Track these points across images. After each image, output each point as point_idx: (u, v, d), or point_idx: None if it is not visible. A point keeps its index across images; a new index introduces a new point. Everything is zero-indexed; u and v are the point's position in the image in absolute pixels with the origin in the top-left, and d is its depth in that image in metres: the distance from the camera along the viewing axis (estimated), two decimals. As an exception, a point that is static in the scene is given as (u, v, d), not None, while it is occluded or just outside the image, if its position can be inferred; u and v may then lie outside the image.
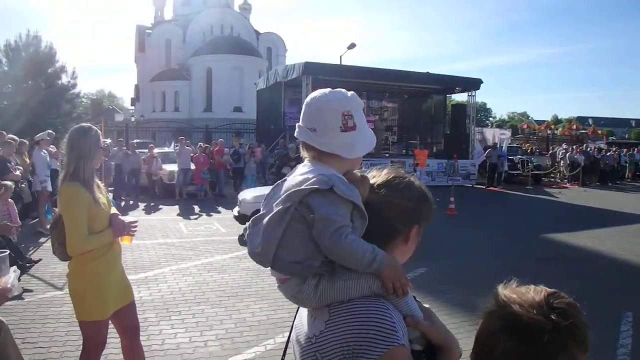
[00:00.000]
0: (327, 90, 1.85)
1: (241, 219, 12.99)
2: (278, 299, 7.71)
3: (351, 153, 1.78)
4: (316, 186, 1.64)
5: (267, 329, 6.67)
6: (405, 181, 1.84)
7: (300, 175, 1.76)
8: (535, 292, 1.37)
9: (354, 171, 1.82)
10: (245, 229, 1.86)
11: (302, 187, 1.66)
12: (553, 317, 1.27)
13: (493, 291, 1.42)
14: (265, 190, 14.26)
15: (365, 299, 1.64)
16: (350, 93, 1.83)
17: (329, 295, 1.66)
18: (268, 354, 5.92)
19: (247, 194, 13.81)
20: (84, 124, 4.16)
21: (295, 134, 1.88)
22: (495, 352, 1.33)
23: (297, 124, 1.87)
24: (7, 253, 3.49)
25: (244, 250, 10.62)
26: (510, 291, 1.41)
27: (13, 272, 3.45)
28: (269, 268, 1.78)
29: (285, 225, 1.67)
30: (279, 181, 1.90)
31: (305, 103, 1.85)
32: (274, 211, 1.70)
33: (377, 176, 1.87)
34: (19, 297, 7.66)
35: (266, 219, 1.73)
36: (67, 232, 3.76)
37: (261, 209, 1.85)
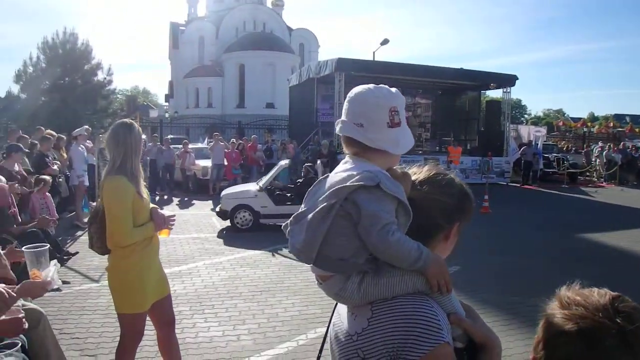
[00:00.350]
0: (372, 85, 1.83)
1: (222, 214, 13.28)
2: (310, 294, 7.73)
3: (397, 149, 1.77)
4: (362, 183, 1.62)
5: (299, 324, 6.68)
6: (446, 178, 1.83)
7: (344, 171, 1.75)
8: (599, 295, 1.34)
9: (395, 167, 1.80)
10: (285, 225, 1.84)
11: (348, 183, 1.65)
12: (618, 321, 1.25)
13: (555, 292, 1.40)
14: (243, 187, 14.40)
15: (410, 297, 1.63)
16: (394, 89, 1.82)
17: (372, 293, 1.65)
18: (300, 349, 5.93)
19: (228, 191, 14.15)
20: (126, 119, 4.22)
21: (337, 130, 1.86)
22: (557, 354, 1.31)
23: (339, 120, 1.85)
24: (48, 247, 3.53)
25: (277, 246, 10.69)
26: (573, 293, 1.38)
27: (53, 266, 3.50)
28: (310, 265, 1.76)
29: (329, 222, 1.65)
30: (321, 177, 1.89)
31: (349, 98, 1.84)
32: (318, 208, 1.69)
33: (418, 173, 1.86)
34: (57, 289, 7.80)
35: (310, 215, 1.71)
36: (112, 224, 3.81)
37: (302, 205, 1.83)
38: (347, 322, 1.75)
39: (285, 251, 10.32)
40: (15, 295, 2.80)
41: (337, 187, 1.67)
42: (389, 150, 1.76)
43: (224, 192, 14.14)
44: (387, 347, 1.56)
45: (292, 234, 1.80)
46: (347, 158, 1.84)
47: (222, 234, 12.73)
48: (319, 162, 14.21)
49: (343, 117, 1.84)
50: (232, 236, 12.29)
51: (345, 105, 1.84)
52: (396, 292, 1.64)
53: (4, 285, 3.49)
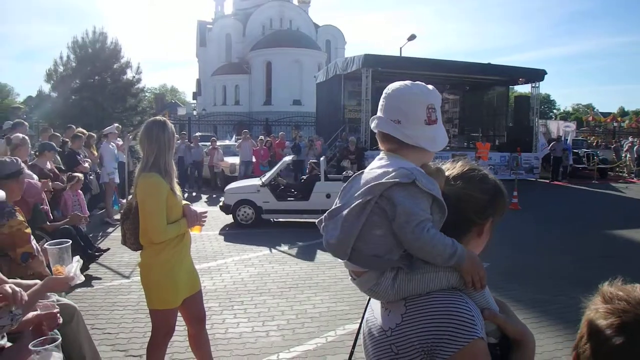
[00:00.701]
0: (409, 82, 1.85)
1: (225, 208, 13.40)
2: (339, 291, 7.76)
3: (433, 147, 1.79)
4: (398, 180, 1.64)
5: (328, 320, 6.70)
6: (480, 174, 1.84)
7: (379, 168, 1.76)
8: None
9: (429, 163, 1.81)
10: (319, 220, 1.85)
11: (383, 180, 1.66)
12: None
13: (598, 288, 1.38)
14: (246, 182, 14.42)
15: (444, 292, 1.64)
16: (430, 87, 1.84)
17: (406, 289, 1.66)
18: (329, 345, 5.95)
19: (232, 185, 14.26)
20: (159, 117, 4.27)
21: (373, 126, 1.87)
22: (601, 350, 1.28)
23: (375, 116, 1.86)
24: (70, 243, 3.58)
25: (305, 242, 10.73)
26: (616, 288, 1.35)
27: (76, 262, 3.54)
28: (344, 261, 1.78)
29: (364, 219, 1.66)
30: (355, 174, 1.89)
31: (385, 95, 1.85)
32: (354, 204, 1.69)
33: (451, 168, 1.87)
34: (88, 284, 7.91)
35: (345, 211, 1.72)
36: (146, 221, 3.86)
37: (337, 201, 1.84)
38: (381, 317, 1.77)
39: (311, 248, 10.38)
40: (27, 298, 2.84)
41: (372, 183, 1.68)
42: (426, 148, 1.78)
43: (227, 187, 14.27)
44: (421, 342, 1.57)
45: (326, 230, 1.80)
46: (381, 154, 1.85)
47: (250, 230, 12.78)
48: (322, 159, 14.16)
49: (379, 114, 1.85)
50: (261, 233, 12.35)
51: (382, 101, 1.85)
52: (430, 288, 1.65)
53: (19, 282, 3.55)
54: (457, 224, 1.74)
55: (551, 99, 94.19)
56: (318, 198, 12.92)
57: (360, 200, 1.68)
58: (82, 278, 3.58)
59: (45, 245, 3.82)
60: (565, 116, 77.16)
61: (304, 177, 14.30)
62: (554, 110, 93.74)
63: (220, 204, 13.84)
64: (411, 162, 1.74)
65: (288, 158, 15.54)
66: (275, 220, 13.89)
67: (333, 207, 1.81)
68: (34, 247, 4.43)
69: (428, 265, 1.65)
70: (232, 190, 13.82)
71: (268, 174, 14.17)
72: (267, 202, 13.18)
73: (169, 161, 3.97)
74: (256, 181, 14.01)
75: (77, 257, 3.66)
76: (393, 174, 1.66)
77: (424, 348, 1.56)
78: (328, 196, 12.77)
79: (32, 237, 4.53)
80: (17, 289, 2.77)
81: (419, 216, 1.61)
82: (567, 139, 28.42)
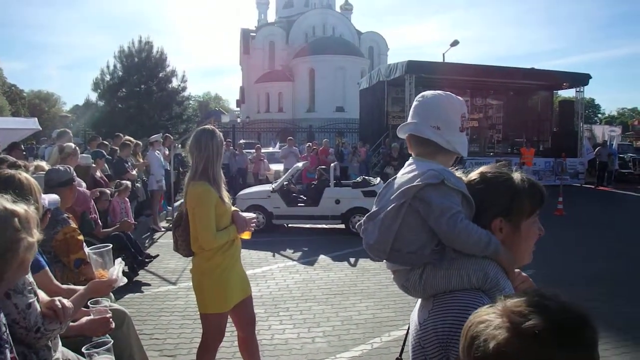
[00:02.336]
0: (442, 92, 1.98)
1: None
2: (384, 298, 7.77)
3: (464, 151, 1.93)
4: (428, 181, 1.75)
5: (374, 327, 6.70)
6: (503, 177, 1.87)
7: (409, 172, 1.89)
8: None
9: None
10: (359, 224, 1.97)
11: (415, 183, 1.78)
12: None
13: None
14: (257, 188, 14.64)
15: (466, 292, 1.73)
16: (460, 98, 1.95)
17: (431, 284, 1.78)
18: (375, 352, 5.96)
19: (244, 191, 14.45)
20: (208, 126, 4.36)
21: (409, 130, 1.97)
22: None
23: (411, 121, 1.97)
24: (111, 246, 3.70)
25: (349, 249, 10.76)
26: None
27: (118, 264, 3.64)
28: (385, 262, 1.89)
29: (400, 220, 1.78)
30: (389, 180, 2.01)
31: (421, 102, 1.98)
32: (390, 207, 1.81)
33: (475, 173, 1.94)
34: (137, 290, 8.08)
35: (382, 214, 1.84)
36: (198, 229, 3.94)
37: (375, 206, 1.95)
38: (417, 312, 1.89)
39: (355, 254, 10.41)
40: (71, 308, 2.94)
41: (405, 187, 1.80)
42: (460, 152, 1.91)
43: (240, 193, 14.43)
44: (439, 338, 1.67)
45: (365, 233, 1.92)
46: (410, 160, 1.97)
47: (294, 237, 12.87)
48: (332, 165, 14.21)
49: (414, 119, 1.96)
50: (305, 240, 12.42)
51: (417, 108, 1.97)
52: (453, 284, 1.74)
53: (72, 288, 3.69)
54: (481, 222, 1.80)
55: (596, 103, 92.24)
56: (327, 204, 13.01)
57: (395, 203, 1.80)
58: (125, 280, 3.68)
59: (87, 251, 3.94)
60: (611, 120, 75.71)
61: (314, 182, 14.35)
62: (599, 115, 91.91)
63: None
64: (436, 164, 1.85)
65: (300, 164, 15.56)
66: (287, 225, 13.93)
67: (372, 211, 1.93)
68: (87, 253, 4.59)
69: (452, 262, 1.75)
70: (244, 196, 13.93)
71: (280, 180, 14.29)
72: (278, 208, 13.23)
73: (217, 169, 4.03)
74: (267, 187, 14.12)
75: (119, 260, 3.77)
76: (423, 176, 1.78)
77: (442, 344, 1.66)
78: (337, 202, 12.91)
79: (84, 243, 4.70)
80: (66, 303, 2.88)
81: (452, 209, 1.72)
82: (612, 144, 27.93)
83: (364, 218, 1.97)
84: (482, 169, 1.93)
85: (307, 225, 13.79)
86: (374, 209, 1.94)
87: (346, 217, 12.90)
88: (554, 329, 1.03)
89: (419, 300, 1.93)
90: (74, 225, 4.63)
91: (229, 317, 4.32)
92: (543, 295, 1.12)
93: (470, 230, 1.71)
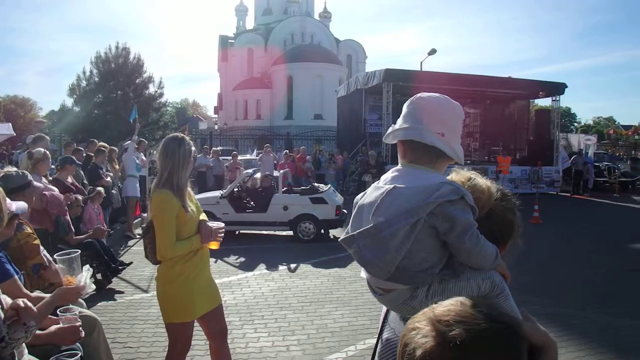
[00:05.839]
0: (441, 95, 1.89)
1: None
2: (359, 305, 7.74)
3: (462, 160, 1.84)
4: (449, 197, 1.68)
5: (349, 335, 6.66)
6: (510, 197, 1.92)
7: (417, 183, 1.77)
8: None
9: None
10: (347, 239, 1.86)
11: (433, 199, 1.68)
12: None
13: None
14: (208, 194, 14.44)
15: None
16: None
17: (440, 299, 1.69)
18: (349, 359, 5.93)
19: (197, 197, 14.24)
20: (178, 133, 4.29)
21: (410, 135, 1.86)
22: None
23: (408, 126, 1.86)
24: (79, 253, 3.63)
25: (325, 257, 10.73)
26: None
27: (86, 271, 3.58)
28: (369, 277, 1.81)
29: (413, 238, 1.68)
30: (386, 188, 1.84)
31: (422, 105, 1.88)
32: (402, 223, 1.69)
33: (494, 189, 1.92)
34: (110, 298, 7.97)
35: (389, 230, 1.71)
36: (157, 237, 3.90)
37: (370, 216, 1.81)
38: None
39: (332, 262, 10.38)
40: (34, 310, 2.87)
41: (421, 203, 1.69)
42: (460, 161, 1.83)
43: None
44: None
45: (363, 248, 1.79)
46: (404, 167, 1.87)
47: (270, 244, 12.81)
48: (282, 172, 14.25)
49: (411, 124, 1.85)
50: (281, 247, 12.38)
51: (417, 111, 1.87)
52: (463, 295, 1.67)
53: (39, 296, 3.61)
54: (501, 235, 1.82)
55: (572, 112, 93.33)
56: (275, 210, 13.04)
57: (409, 219, 1.69)
58: (93, 287, 3.61)
59: (54, 256, 3.87)
60: (586, 129, 76.46)
61: (260, 188, 14.41)
62: (575, 124, 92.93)
63: None
64: (440, 174, 1.79)
65: (250, 170, 15.72)
66: (238, 232, 13.80)
67: (370, 226, 1.78)
68: (45, 257, 4.51)
69: (461, 275, 1.71)
70: None
71: (229, 186, 14.32)
72: (227, 214, 13.09)
73: (182, 177, 3.97)
74: (217, 193, 14.08)
75: (87, 266, 3.70)
76: (440, 192, 1.69)
77: None
78: (285, 208, 12.95)
79: (41, 248, 4.60)
80: (29, 304, 2.82)
81: (474, 225, 1.68)
82: (588, 152, 28.28)
83: (356, 233, 1.82)
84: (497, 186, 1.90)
85: (284, 233, 13.73)
86: (369, 223, 1.79)
87: (294, 223, 12.97)
88: (477, 338, 1.03)
89: (399, 323, 1.84)
90: (29, 230, 4.54)
91: (201, 326, 4.26)
92: (474, 305, 1.12)
93: (486, 245, 1.70)
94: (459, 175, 1.90)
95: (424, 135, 1.81)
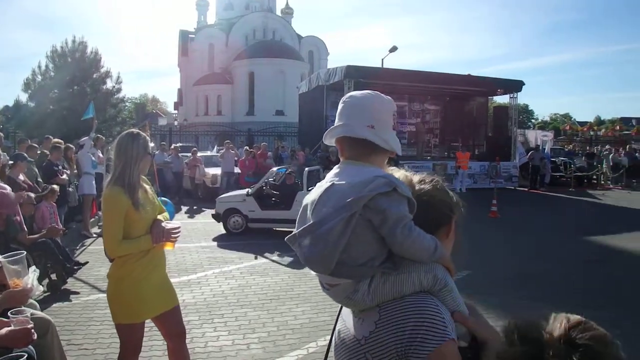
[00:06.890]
0: (371, 91, 1.91)
1: (216, 217, 13.96)
2: (320, 302, 7.75)
3: (399, 150, 1.86)
4: (380, 190, 1.67)
5: (310, 331, 6.69)
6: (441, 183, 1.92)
7: (351, 178, 1.77)
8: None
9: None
10: (291, 238, 1.86)
11: (365, 192, 1.68)
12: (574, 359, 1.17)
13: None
14: (236, 192, 14.75)
15: (416, 296, 1.68)
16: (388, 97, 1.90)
17: (381, 292, 1.70)
18: (310, 357, 5.94)
19: (224, 195, 14.96)
20: (133, 129, 4.21)
21: (342, 132, 1.88)
22: None
23: (342, 123, 1.87)
24: (25, 254, 3.56)
25: (286, 253, 10.72)
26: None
27: (32, 272, 3.51)
28: (318, 274, 1.81)
29: (350, 232, 1.68)
30: (325, 185, 1.86)
31: (349, 102, 1.89)
32: (337, 219, 1.69)
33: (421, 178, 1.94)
34: (65, 299, 7.85)
35: (326, 227, 1.71)
36: (103, 235, 3.84)
37: (311, 214, 1.83)
38: (354, 327, 1.79)
39: (292, 259, 10.34)
40: None
41: (353, 198, 1.68)
42: (397, 151, 1.84)
43: (219, 197, 14.81)
44: (396, 346, 1.60)
45: (303, 247, 1.79)
46: (342, 164, 1.88)
47: (230, 242, 12.73)
48: (306, 170, 14.22)
49: (344, 121, 1.87)
50: (241, 245, 12.28)
51: (347, 109, 1.88)
52: (404, 289, 1.69)
53: None
54: (434, 222, 1.80)
55: (529, 109, 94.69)
56: (299, 207, 12.90)
57: (344, 214, 1.68)
58: (41, 288, 3.54)
59: (0, 258, 3.79)
60: (543, 125, 77.78)
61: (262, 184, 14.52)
62: (532, 120, 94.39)
63: (213, 212, 14.18)
64: (378, 168, 1.80)
65: (275, 169, 15.74)
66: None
67: (309, 223, 1.79)
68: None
69: (402, 267, 1.70)
70: (222, 199, 14.27)
71: (257, 185, 14.41)
72: (253, 211, 13.52)
73: (135, 175, 3.88)
74: (244, 191, 14.43)
75: (33, 267, 3.62)
76: (372, 185, 1.68)
77: (399, 353, 1.60)
78: None
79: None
80: None
81: (406, 217, 1.66)
82: (545, 148, 28.78)
83: (297, 231, 1.83)
84: (427, 183, 1.90)
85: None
86: (310, 219, 1.80)
87: None
88: None
89: (350, 314, 1.85)
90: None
91: (158, 327, 4.20)
92: None
93: (422, 238, 1.67)
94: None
95: (355, 130, 1.83)
